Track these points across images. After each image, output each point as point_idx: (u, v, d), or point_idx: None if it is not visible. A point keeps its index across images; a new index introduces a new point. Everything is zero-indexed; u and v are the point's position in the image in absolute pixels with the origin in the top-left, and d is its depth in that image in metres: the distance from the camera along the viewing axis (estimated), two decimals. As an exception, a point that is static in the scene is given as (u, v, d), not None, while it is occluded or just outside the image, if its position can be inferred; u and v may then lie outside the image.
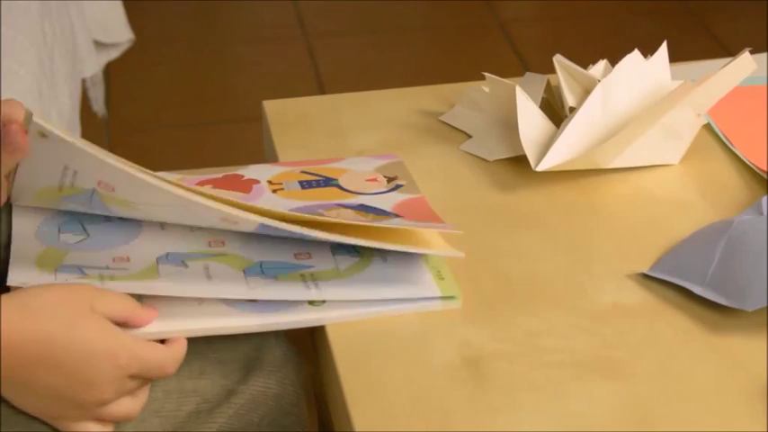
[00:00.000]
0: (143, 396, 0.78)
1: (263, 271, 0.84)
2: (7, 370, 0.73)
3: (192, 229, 0.88)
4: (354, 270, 0.85)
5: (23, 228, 0.88)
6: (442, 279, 0.84)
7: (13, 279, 0.81)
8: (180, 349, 0.78)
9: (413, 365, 0.78)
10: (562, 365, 0.78)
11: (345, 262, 0.86)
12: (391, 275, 0.85)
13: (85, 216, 0.89)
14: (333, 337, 0.80)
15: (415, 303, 0.83)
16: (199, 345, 0.79)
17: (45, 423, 0.77)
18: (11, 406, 0.76)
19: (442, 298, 0.83)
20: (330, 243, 0.87)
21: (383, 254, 0.87)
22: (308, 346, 0.88)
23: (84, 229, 0.88)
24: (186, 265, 0.84)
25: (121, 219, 0.90)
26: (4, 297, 0.73)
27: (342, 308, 0.82)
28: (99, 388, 0.74)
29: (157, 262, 0.84)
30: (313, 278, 0.83)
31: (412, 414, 0.74)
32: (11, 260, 0.83)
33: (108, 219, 0.90)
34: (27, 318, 0.72)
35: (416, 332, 0.81)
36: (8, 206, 0.88)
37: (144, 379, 0.77)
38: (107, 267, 0.83)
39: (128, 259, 0.85)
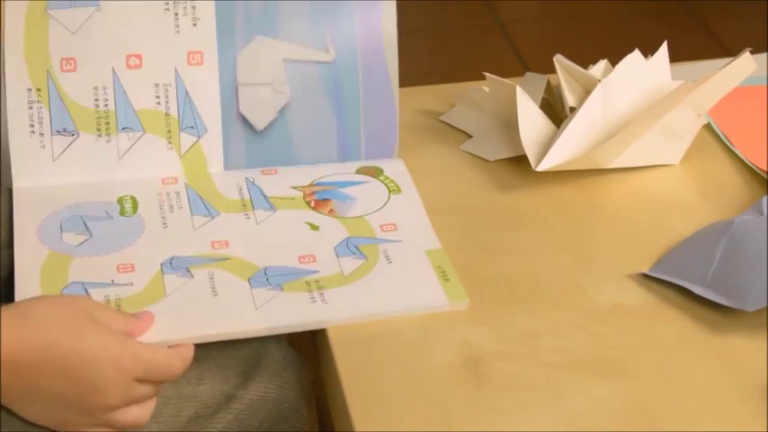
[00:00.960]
0: (151, 404, 0.78)
1: (267, 280, 0.84)
2: (13, 380, 0.72)
3: (195, 227, 0.88)
4: (359, 273, 0.85)
5: (25, 227, 0.88)
6: (448, 280, 0.84)
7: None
8: (187, 351, 0.77)
9: (413, 365, 0.78)
10: (562, 365, 0.78)
11: (350, 265, 0.86)
12: (397, 279, 0.84)
13: (86, 214, 0.89)
14: (333, 336, 0.80)
15: (422, 308, 0.83)
16: (197, 350, 0.79)
17: (44, 426, 0.76)
18: (9, 409, 0.76)
19: (450, 300, 0.83)
20: (334, 245, 0.87)
21: (387, 254, 0.87)
22: (309, 350, 0.88)
23: (87, 228, 0.88)
24: (192, 275, 0.84)
25: (123, 216, 0.90)
26: (5, 308, 0.73)
27: (345, 310, 0.82)
28: (105, 392, 0.74)
29: (162, 271, 0.84)
30: (318, 286, 0.83)
31: (412, 414, 0.74)
32: (16, 274, 0.83)
33: (110, 216, 0.90)
34: (29, 327, 0.72)
35: (417, 332, 0.81)
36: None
37: (153, 384, 0.77)
38: (112, 282, 0.83)
39: (132, 268, 0.84)
